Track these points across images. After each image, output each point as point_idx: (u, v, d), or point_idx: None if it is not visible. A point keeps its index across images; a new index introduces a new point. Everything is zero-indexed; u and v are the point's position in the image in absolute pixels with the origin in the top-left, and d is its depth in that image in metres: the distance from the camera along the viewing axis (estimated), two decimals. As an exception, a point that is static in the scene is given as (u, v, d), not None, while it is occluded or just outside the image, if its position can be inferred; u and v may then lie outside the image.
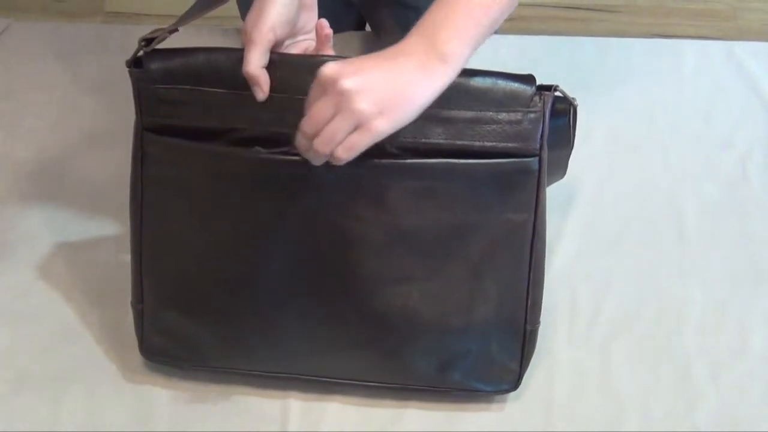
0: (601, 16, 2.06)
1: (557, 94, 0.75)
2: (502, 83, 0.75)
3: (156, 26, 0.76)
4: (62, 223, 0.96)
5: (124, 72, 1.10)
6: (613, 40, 1.16)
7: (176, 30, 0.76)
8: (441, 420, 0.81)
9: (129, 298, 0.88)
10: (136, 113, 0.77)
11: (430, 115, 0.73)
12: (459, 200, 0.75)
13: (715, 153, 1.03)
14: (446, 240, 0.76)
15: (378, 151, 0.73)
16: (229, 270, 0.79)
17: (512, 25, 1.94)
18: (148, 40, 0.75)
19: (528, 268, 0.78)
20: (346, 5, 1.14)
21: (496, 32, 1.14)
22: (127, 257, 0.91)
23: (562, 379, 0.84)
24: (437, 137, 0.74)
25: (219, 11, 0.85)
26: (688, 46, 1.15)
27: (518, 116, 0.74)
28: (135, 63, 0.76)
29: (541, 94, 0.75)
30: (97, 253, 0.93)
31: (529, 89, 0.75)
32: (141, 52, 0.75)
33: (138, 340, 0.84)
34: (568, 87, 0.75)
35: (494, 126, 0.74)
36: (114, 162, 1.01)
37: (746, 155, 1.02)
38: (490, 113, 0.74)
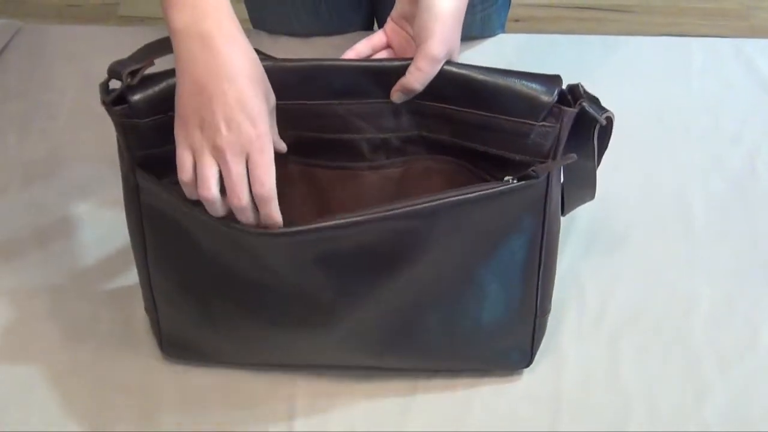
0: (614, 16, 2.06)
1: (581, 108, 0.69)
2: (521, 88, 0.69)
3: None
4: (73, 224, 0.97)
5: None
6: (621, 39, 1.16)
7: (152, 64, 0.71)
8: (448, 417, 0.82)
9: (140, 297, 0.89)
10: (123, 151, 0.73)
11: (437, 112, 0.72)
12: (463, 217, 0.70)
13: (724, 149, 1.03)
14: (450, 243, 0.72)
15: (384, 147, 0.73)
16: (235, 291, 0.76)
17: (524, 26, 1.96)
18: (133, 73, 0.68)
19: (537, 276, 0.77)
20: (355, 5, 1.14)
21: (503, 32, 1.15)
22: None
23: (569, 374, 0.84)
24: (443, 134, 0.73)
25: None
26: (696, 43, 1.15)
27: (526, 129, 0.69)
28: (114, 100, 0.69)
29: (560, 108, 0.69)
30: (109, 252, 0.94)
31: (547, 99, 0.69)
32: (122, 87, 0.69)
33: (157, 341, 0.85)
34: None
35: (501, 134, 0.71)
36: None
37: (755, 151, 1.02)
38: (499, 120, 0.70)
